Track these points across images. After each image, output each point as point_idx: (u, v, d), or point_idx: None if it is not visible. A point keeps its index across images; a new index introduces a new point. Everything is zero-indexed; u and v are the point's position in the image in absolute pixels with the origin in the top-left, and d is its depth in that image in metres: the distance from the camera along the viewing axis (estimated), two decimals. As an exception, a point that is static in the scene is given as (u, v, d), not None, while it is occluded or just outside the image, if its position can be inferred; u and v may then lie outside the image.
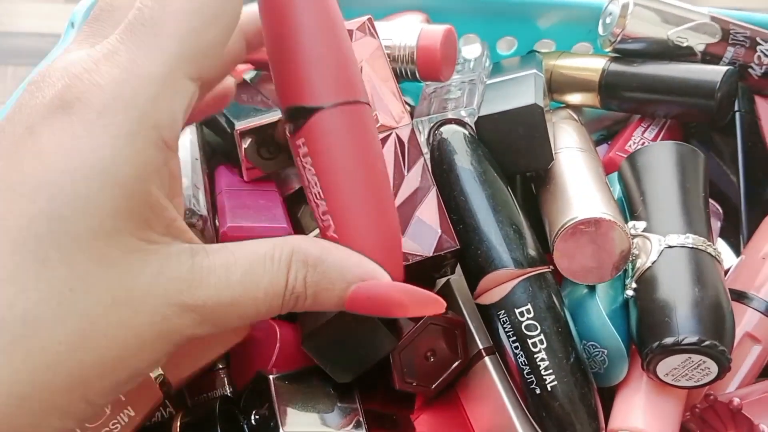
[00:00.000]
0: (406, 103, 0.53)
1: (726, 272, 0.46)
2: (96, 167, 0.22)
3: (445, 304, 0.29)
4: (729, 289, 0.44)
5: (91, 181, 0.22)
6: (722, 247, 0.49)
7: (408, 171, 0.41)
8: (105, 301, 0.22)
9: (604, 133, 0.59)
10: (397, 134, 0.42)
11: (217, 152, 0.54)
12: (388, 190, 0.31)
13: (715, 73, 0.49)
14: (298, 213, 0.49)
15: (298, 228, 0.46)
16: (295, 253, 0.26)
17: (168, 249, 0.24)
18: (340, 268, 0.26)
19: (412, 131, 0.43)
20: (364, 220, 0.29)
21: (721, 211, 0.50)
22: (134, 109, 0.23)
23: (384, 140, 0.42)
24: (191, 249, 0.25)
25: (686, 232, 0.40)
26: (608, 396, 0.42)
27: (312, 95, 0.29)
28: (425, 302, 0.28)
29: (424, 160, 0.42)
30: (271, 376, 0.40)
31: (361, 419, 0.41)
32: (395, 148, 0.42)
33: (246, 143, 0.48)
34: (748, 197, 0.50)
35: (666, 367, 0.37)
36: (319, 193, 0.29)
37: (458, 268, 0.43)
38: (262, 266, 0.25)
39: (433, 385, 0.42)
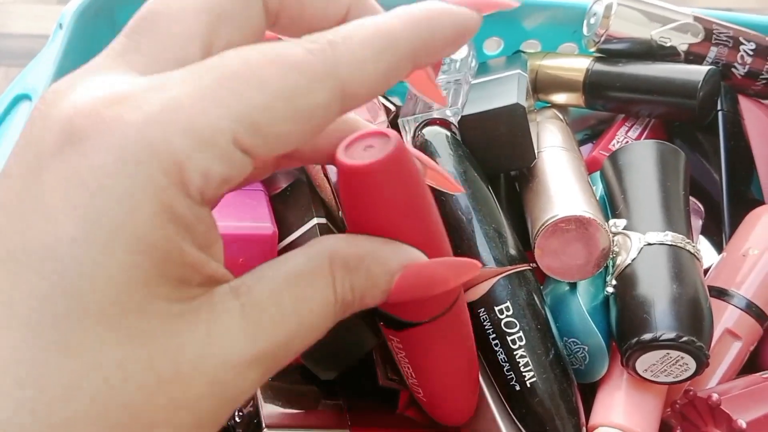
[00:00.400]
0: (393, 103, 0.54)
1: (707, 270, 0.47)
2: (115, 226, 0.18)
3: (479, 264, 0.27)
4: (710, 286, 0.45)
5: (111, 245, 0.18)
6: (704, 245, 0.50)
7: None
8: (149, 385, 0.19)
9: (588, 133, 0.59)
10: (376, 131, 0.43)
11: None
12: (474, 366, 0.37)
13: (697, 72, 0.50)
14: (286, 213, 0.49)
15: (283, 226, 0.47)
16: (333, 260, 0.23)
17: (211, 301, 0.20)
18: (381, 262, 0.24)
19: (389, 126, 0.44)
20: (450, 399, 0.37)
21: (702, 209, 0.50)
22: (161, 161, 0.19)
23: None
24: (232, 289, 0.21)
25: (666, 230, 0.41)
26: (590, 393, 0.42)
27: (409, 314, 0.31)
28: (464, 269, 0.26)
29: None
30: (254, 374, 0.40)
31: (345, 416, 0.41)
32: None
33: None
34: (730, 195, 0.51)
35: (645, 363, 0.38)
36: (410, 373, 0.35)
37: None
38: (308, 287, 0.22)
39: (417, 382, 0.43)
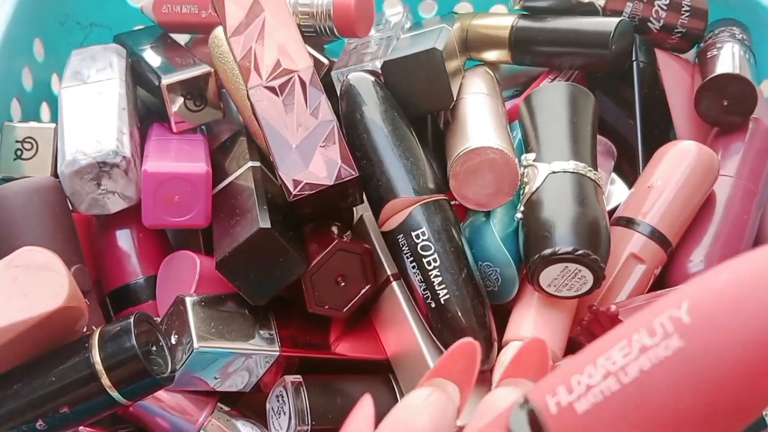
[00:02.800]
0: (328, 58, 0.57)
1: (616, 207, 0.50)
2: None
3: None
4: (618, 216, 0.48)
5: None
6: (618, 184, 0.53)
7: (310, 109, 0.45)
8: None
9: (519, 89, 0.62)
10: (299, 76, 0.46)
11: (152, 111, 0.57)
12: None
13: (609, 24, 0.53)
14: (225, 162, 0.52)
15: (221, 171, 0.50)
16: None
17: None
18: None
19: (314, 72, 0.46)
20: None
21: (615, 150, 0.54)
22: None
23: (286, 83, 0.46)
24: None
25: (569, 159, 0.44)
26: (507, 317, 0.46)
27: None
28: None
29: (325, 97, 0.45)
30: (188, 298, 0.43)
31: (275, 338, 0.44)
32: (297, 89, 0.46)
33: (173, 96, 0.52)
34: (644, 139, 0.54)
35: (547, 277, 0.41)
36: None
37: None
38: None
39: (345, 309, 0.46)
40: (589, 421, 0.22)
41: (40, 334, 0.35)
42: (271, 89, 0.45)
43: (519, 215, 0.44)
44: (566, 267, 0.40)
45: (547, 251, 0.40)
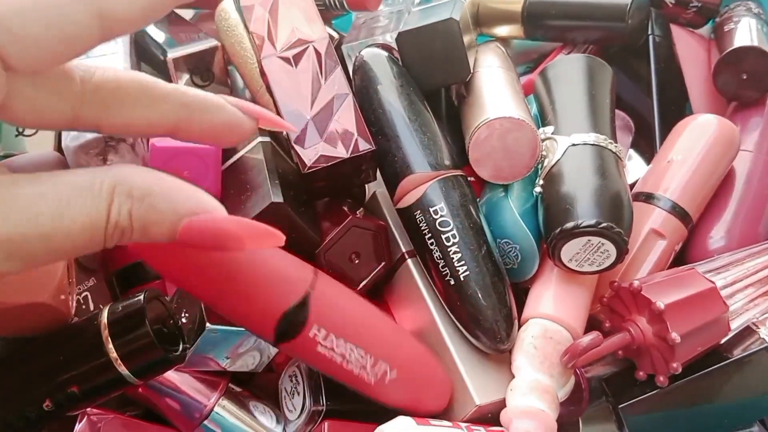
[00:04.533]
0: (338, 32, 0.55)
1: (633, 184, 0.49)
2: None
3: (283, 237, 0.28)
4: (638, 191, 0.47)
5: None
6: (635, 159, 0.52)
7: (325, 80, 0.43)
8: None
9: (531, 66, 0.61)
10: (314, 47, 0.44)
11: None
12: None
13: (626, -4, 0.52)
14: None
15: (230, 148, 0.48)
16: (119, 184, 0.24)
17: None
18: (171, 201, 0.25)
19: (329, 44, 0.45)
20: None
21: (632, 125, 0.53)
22: None
23: (301, 54, 0.44)
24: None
25: (589, 131, 0.43)
26: (525, 295, 0.45)
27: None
28: (261, 235, 0.27)
29: (341, 69, 0.44)
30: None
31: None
32: (312, 60, 0.44)
33: (179, 71, 0.50)
34: (661, 113, 0.53)
35: (569, 252, 0.40)
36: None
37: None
38: (78, 198, 0.23)
39: (359, 287, 0.44)
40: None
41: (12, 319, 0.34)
42: (286, 59, 0.43)
43: (538, 189, 0.43)
44: (589, 241, 0.39)
45: (570, 224, 0.39)
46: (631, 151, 0.53)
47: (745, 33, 0.53)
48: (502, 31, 0.58)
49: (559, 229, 0.39)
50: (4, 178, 0.23)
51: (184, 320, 0.41)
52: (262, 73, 0.43)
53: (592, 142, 0.42)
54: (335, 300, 0.38)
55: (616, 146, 0.43)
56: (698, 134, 0.47)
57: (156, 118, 0.27)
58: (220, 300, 0.34)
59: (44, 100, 0.25)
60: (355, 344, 0.38)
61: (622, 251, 0.39)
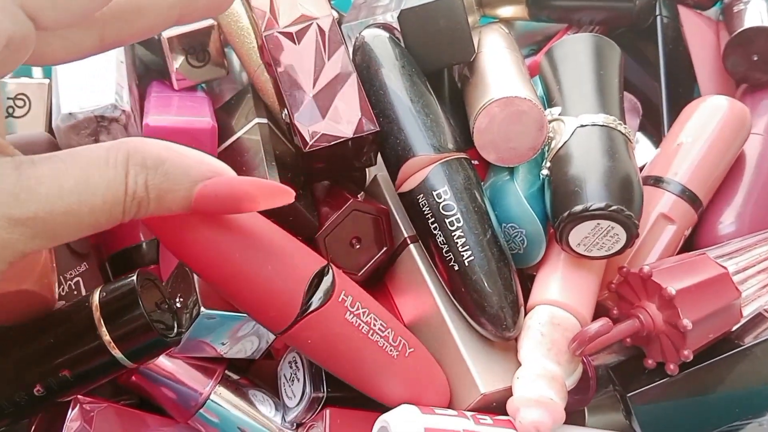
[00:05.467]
0: (338, 11, 0.54)
1: (642, 167, 0.48)
2: None
3: (293, 192, 0.28)
4: (647, 175, 0.46)
5: None
6: (643, 142, 0.51)
7: (329, 58, 0.42)
8: None
9: (534, 48, 0.60)
10: (318, 24, 0.43)
11: (152, 69, 0.54)
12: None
13: (634, -25, 0.51)
14: (230, 120, 0.49)
15: (227, 130, 0.47)
16: (132, 155, 0.24)
17: None
18: (183, 167, 0.25)
19: (333, 21, 0.44)
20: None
21: (640, 106, 0.51)
22: None
23: (305, 30, 0.43)
24: (14, 161, 0.23)
25: (598, 112, 0.41)
26: (531, 281, 0.43)
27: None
28: (274, 192, 0.28)
29: (345, 48, 0.42)
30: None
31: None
32: (316, 37, 0.43)
33: (175, 51, 0.49)
34: (668, 95, 0.52)
35: (577, 236, 0.39)
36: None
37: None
38: (97, 172, 0.23)
39: (360, 272, 0.43)
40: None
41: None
42: (288, 35, 0.42)
43: (545, 172, 0.41)
44: (598, 224, 0.38)
45: (578, 207, 0.38)
46: (639, 134, 0.51)
47: (755, 14, 0.51)
48: (505, 12, 0.57)
49: (567, 212, 0.38)
50: (22, 158, 0.23)
51: (178, 305, 0.40)
52: (262, 50, 0.42)
53: (601, 123, 0.41)
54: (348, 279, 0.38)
55: (625, 127, 0.41)
56: (709, 116, 0.46)
57: (165, 14, 0.28)
58: (240, 276, 0.33)
59: (73, 38, 0.26)
60: (377, 315, 0.38)
61: (632, 235, 0.38)
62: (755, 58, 0.50)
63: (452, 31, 0.45)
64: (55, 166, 0.23)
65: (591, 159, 0.39)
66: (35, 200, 0.23)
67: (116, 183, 0.24)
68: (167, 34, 0.48)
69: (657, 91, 0.53)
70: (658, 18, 0.53)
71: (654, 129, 0.52)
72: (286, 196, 0.28)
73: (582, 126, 0.41)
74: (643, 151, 0.50)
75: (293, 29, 0.43)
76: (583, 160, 0.39)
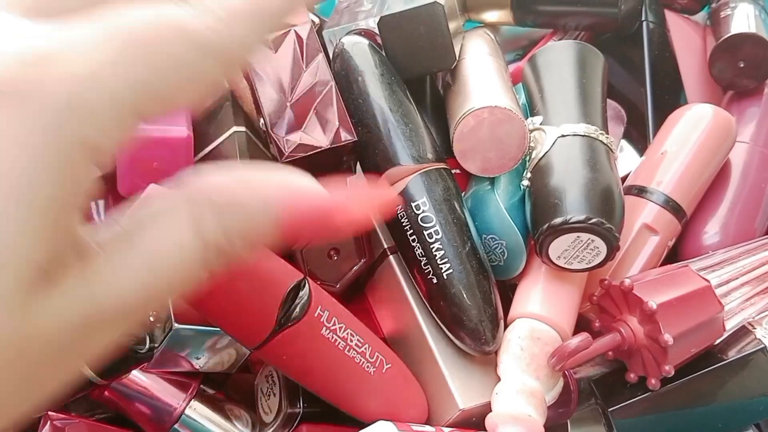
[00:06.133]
0: (319, 17, 0.53)
1: (625, 176, 0.47)
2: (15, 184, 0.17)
3: (396, 196, 0.26)
4: (630, 184, 0.45)
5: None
6: (627, 150, 0.50)
7: (306, 66, 0.41)
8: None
9: (520, 53, 0.59)
10: (295, 32, 0.42)
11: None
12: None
13: (619, -20, 0.50)
14: (208, 128, 0.49)
15: (204, 137, 0.46)
16: (200, 203, 0.20)
17: (65, 271, 0.19)
18: (259, 197, 0.21)
19: (312, 29, 0.43)
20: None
21: (624, 115, 0.51)
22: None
23: (282, 38, 0.42)
24: (80, 255, 0.20)
25: (579, 121, 0.41)
26: (512, 294, 0.43)
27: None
28: (368, 200, 0.23)
29: (324, 56, 0.41)
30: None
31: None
32: (294, 44, 0.42)
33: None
34: (654, 102, 0.51)
35: (557, 248, 0.38)
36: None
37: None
38: (166, 236, 0.20)
39: (338, 284, 0.42)
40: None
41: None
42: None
43: (526, 182, 0.41)
44: (578, 237, 0.37)
45: (558, 220, 0.37)
46: (623, 142, 0.51)
47: (742, 19, 0.51)
48: (490, 16, 0.56)
49: (547, 224, 0.37)
50: (86, 249, 0.20)
51: (151, 319, 0.39)
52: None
53: (582, 133, 0.40)
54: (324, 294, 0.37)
55: (607, 137, 0.41)
56: (693, 125, 0.46)
57: None
58: (212, 290, 0.32)
59: None
60: (353, 331, 0.37)
61: (613, 248, 0.37)
62: (742, 65, 0.49)
63: (433, 39, 0.44)
64: (121, 246, 0.20)
65: (571, 170, 0.39)
66: (115, 296, 0.19)
67: (190, 242, 0.20)
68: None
69: (644, 97, 0.53)
70: (644, 23, 0.53)
71: (640, 136, 0.51)
72: (391, 199, 0.25)
73: (563, 136, 0.40)
74: (628, 159, 0.50)
75: (270, 37, 0.42)
76: (564, 171, 0.39)
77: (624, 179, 0.47)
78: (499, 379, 0.39)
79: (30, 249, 0.17)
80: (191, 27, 0.20)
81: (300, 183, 0.22)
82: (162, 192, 0.22)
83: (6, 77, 0.17)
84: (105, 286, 0.19)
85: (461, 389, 0.38)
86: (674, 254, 0.45)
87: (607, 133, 0.42)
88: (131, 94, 0.18)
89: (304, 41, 0.42)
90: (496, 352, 0.39)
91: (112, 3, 0.20)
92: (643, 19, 0.53)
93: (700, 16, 0.58)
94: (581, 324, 0.41)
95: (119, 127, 0.18)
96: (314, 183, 0.22)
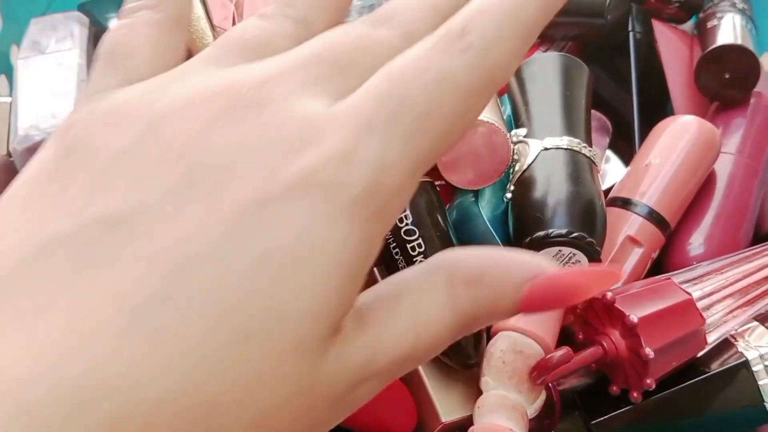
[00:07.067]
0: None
1: (611, 188, 0.47)
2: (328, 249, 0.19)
3: (621, 273, 0.27)
4: (614, 196, 0.45)
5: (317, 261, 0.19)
6: (614, 161, 0.50)
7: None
8: (286, 393, 0.20)
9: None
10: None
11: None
12: None
13: (605, -9, 0.50)
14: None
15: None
16: (452, 273, 0.22)
17: (346, 327, 0.21)
18: (504, 272, 0.23)
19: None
20: None
21: (610, 126, 0.51)
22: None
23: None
24: (356, 312, 0.21)
25: (563, 134, 0.41)
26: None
27: None
28: (602, 278, 0.26)
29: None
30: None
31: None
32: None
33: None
34: (640, 113, 0.51)
35: (539, 262, 0.38)
36: None
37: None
38: (425, 302, 0.22)
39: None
40: None
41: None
42: None
43: (509, 195, 0.41)
44: (560, 251, 0.37)
45: (540, 234, 0.37)
46: (609, 153, 0.51)
47: (728, 30, 0.51)
48: (478, 26, 0.56)
49: (528, 238, 0.38)
50: (355, 308, 0.21)
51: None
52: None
53: (565, 146, 0.40)
54: None
55: (590, 150, 0.41)
56: (677, 137, 0.46)
57: None
58: None
59: None
60: None
61: (594, 262, 0.38)
62: (727, 76, 0.49)
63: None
64: (387, 306, 0.21)
65: (554, 183, 0.39)
66: (382, 354, 0.21)
67: (444, 308, 0.22)
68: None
69: (629, 106, 0.53)
70: (631, 34, 0.53)
71: (627, 146, 0.51)
72: (615, 278, 0.27)
73: (546, 149, 0.40)
74: (614, 169, 0.50)
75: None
76: (546, 185, 0.39)
77: (609, 190, 0.47)
78: (481, 393, 0.39)
79: (330, 306, 0.19)
80: (450, 71, 0.20)
81: (535, 260, 0.24)
82: (425, 266, 0.24)
83: (311, 171, 0.19)
84: (377, 344, 0.21)
85: (443, 402, 0.39)
86: (659, 265, 0.45)
87: (591, 145, 0.42)
88: (417, 167, 0.19)
89: None
90: (478, 365, 0.40)
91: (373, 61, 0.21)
92: (630, 29, 0.53)
93: (689, 26, 0.58)
94: (565, 336, 0.41)
95: (409, 195, 0.20)
96: (547, 261, 0.24)
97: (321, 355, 0.20)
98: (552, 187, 0.39)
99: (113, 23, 0.53)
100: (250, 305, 0.19)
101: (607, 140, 0.50)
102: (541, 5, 0.23)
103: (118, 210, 0.19)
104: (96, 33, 0.53)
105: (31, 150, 0.41)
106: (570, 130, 0.41)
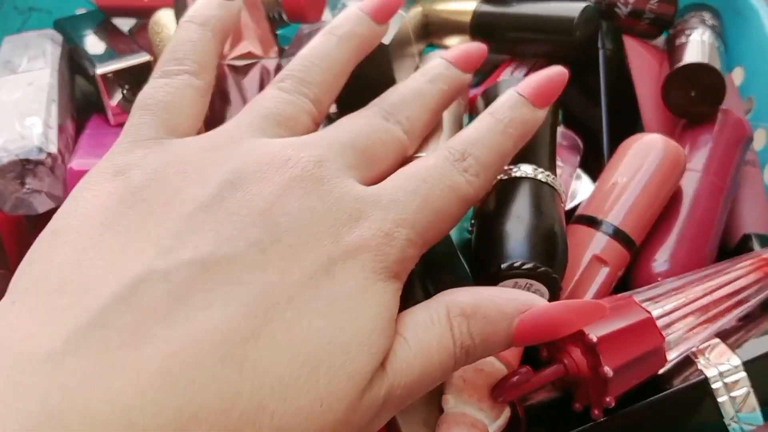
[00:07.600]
0: (280, 47, 0.54)
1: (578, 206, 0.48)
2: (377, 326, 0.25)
3: (606, 306, 0.30)
4: (580, 215, 0.46)
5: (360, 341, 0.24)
6: (583, 179, 0.51)
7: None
8: (335, 419, 0.23)
9: (481, 77, 0.60)
10: (263, 65, 0.43)
11: (93, 102, 0.54)
12: None
13: (572, 9, 0.51)
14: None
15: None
16: (451, 308, 0.27)
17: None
18: (497, 307, 0.27)
19: (279, 65, 0.44)
20: None
21: (581, 145, 0.51)
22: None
23: (249, 68, 0.43)
24: None
25: (524, 162, 0.41)
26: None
27: None
28: (589, 312, 0.29)
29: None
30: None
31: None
32: (260, 78, 0.43)
33: (110, 87, 0.49)
34: (610, 131, 0.52)
35: (499, 290, 0.38)
36: None
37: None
38: (428, 335, 0.26)
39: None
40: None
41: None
42: (232, 68, 0.42)
43: (469, 226, 0.41)
44: (516, 283, 0.37)
45: (492, 268, 0.37)
46: (580, 171, 0.51)
47: (695, 48, 0.51)
48: (452, 42, 0.57)
49: (483, 271, 0.37)
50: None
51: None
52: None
53: (525, 175, 0.40)
54: None
55: (554, 179, 0.41)
56: (642, 155, 0.46)
57: None
58: None
59: None
60: None
61: (555, 290, 0.38)
62: (693, 94, 0.50)
63: (378, 78, 0.44)
64: (401, 344, 0.26)
65: (507, 214, 0.38)
66: (396, 386, 0.25)
67: (445, 339, 0.26)
68: (101, 70, 0.48)
69: (600, 123, 0.53)
70: (601, 51, 0.53)
71: (597, 163, 0.52)
72: (601, 311, 0.30)
73: (505, 178, 0.40)
74: (584, 188, 0.50)
75: (238, 63, 0.43)
76: (500, 215, 0.39)
77: (576, 208, 0.47)
78: (442, 411, 0.39)
79: (380, 339, 0.24)
80: (459, 186, 0.29)
81: (524, 296, 0.28)
82: (425, 303, 0.28)
83: (364, 239, 0.25)
84: (397, 376, 0.25)
85: (405, 421, 0.39)
86: (626, 280, 0.46)
87: (555, 173, 0.42)
88: (426, 246, 0.28)
89: (271, 75, 0.43)
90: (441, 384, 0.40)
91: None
92: (600, 46, 0.53)
93: (661, 41, 0.59)
94: (530, 352, 0.42)
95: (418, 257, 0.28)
96: (537, 298, 0.29)
97: (367, 385, 0.24)
98: (505, 218, 0.38)
99: (86, 41, 0.53)
100: (321, 338, 0.22)
101: (578, 158, 0.51)
102: (518, 141, 0.34)
103: (210, 255, 0.23)
104: (69, 51, 0.53)
105: (0, 171, 0.42)
106: (532, 157, 0.41)
